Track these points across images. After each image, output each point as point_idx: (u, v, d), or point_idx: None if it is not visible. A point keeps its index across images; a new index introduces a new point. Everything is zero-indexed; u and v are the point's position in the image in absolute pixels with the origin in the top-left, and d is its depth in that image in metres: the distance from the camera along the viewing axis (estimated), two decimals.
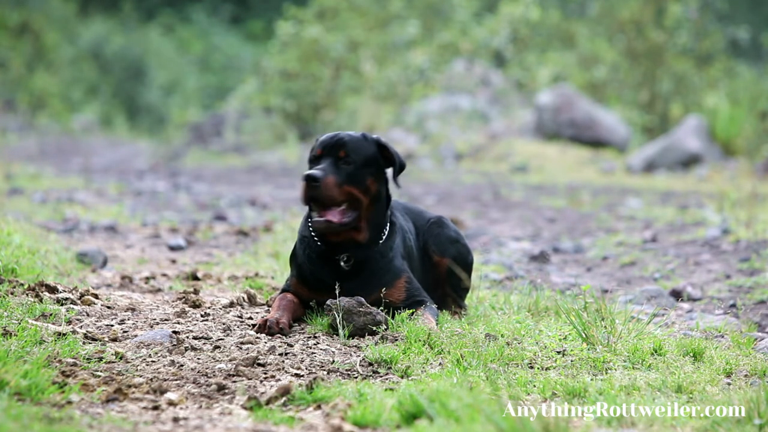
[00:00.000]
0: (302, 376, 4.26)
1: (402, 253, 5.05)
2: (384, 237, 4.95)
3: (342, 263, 4.92)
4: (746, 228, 8.73)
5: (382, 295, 4.94)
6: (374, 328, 4.78)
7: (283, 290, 5.10)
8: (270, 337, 4.76)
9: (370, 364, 4.42)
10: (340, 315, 4.79)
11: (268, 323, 4.82)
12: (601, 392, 4.07)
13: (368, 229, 4.91)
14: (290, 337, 4.79)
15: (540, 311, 5.55)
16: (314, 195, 4.78)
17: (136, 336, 4.70)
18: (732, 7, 24.23)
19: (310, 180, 4.77)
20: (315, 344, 4.67)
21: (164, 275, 6.56)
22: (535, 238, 9.39)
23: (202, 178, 15.21)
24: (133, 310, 5.25)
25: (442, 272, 5.36)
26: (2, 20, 27.84)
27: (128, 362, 4.33)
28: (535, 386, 4.18)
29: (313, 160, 4.90)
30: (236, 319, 5.13)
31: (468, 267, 5.44)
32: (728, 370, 4.57)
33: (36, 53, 27.91)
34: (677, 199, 12.19)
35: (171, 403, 3.89)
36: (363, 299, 4.84)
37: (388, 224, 4.99)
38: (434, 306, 5.07)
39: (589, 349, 4.71)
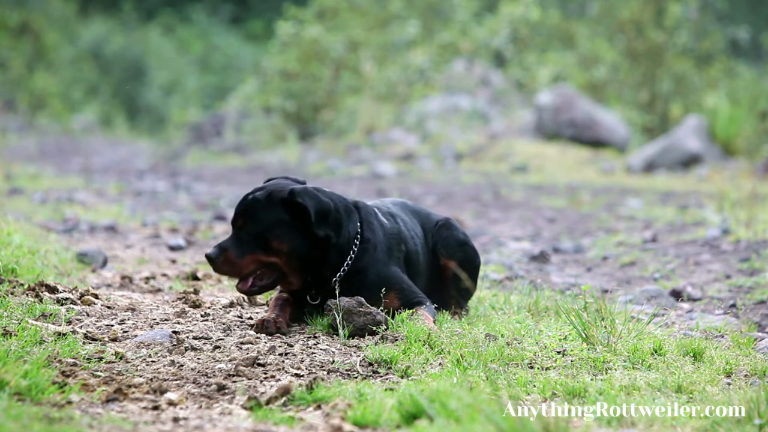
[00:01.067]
0: (302, 376, 4.26)
1: (390, 260, 5.06)
2: (349, 261, 4.94)
3: (309, 299, 4.98)
4: (746, 228, 8.72)
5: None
6: (374, 328, 4.78)
7: (281, 291, 5.12)
8: (270, 337, 4.76)
9: (370, 364, 4.43)
10: (340, 315, 4.79)
11: (265, 323, 4.83)
12: (601, 392, 4.07)
13: (304, 275, 4.90)
14: (290, 337, 4.79)
15: (540, 311, 5.55)
16: (218, 271, 4.88)
17: (136, 336, 4.70)
18: (732, 7, 24.23)
19: (208, 260, 4.86)
20: (315, 344, 4.67)
21: (164, 275, 6.56)
22: (535, 238, 9.39)
23: (202, 178, 15.21)
24: (133, 310, 5.25)
25: (448, 274, 5.37)
26: (2, 20, 27.83)
27: (128, 362, 4.33)
28: (535, 386, 4.18)
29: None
30: (236, 319, 5.13)
31: (475, 270, 5.46)
32: (728, 370, 4.57)
33: (36, 53, 27.90)
34: (677, 199, 12.18)
35: (171, 403, 3.89)
36: (363, 299, 4.85)
37: (355, 245, 4.96)
38: (433, 306, 5.07)
39: (589, 349, 4.71)
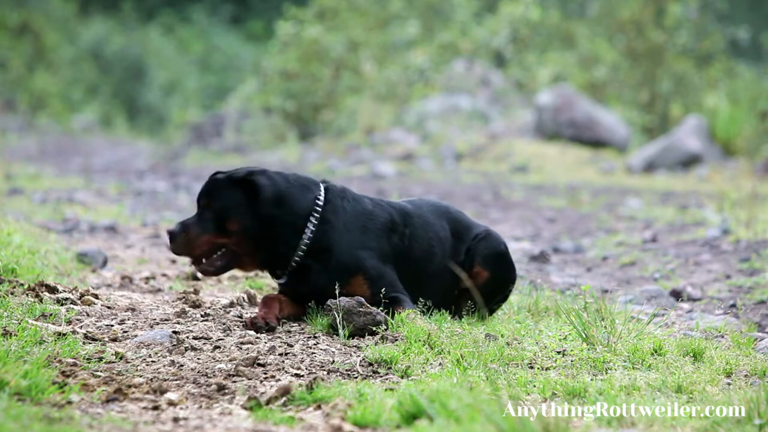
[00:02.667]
0: (302, 376, 4.26)
1: (365, 244, 5.02)
2: (307, 239, 4.95)
3: (274, 279, 5.05)
4: (746, 228, 8.72)
5: (343, 291, 4.94)
6: (374, 329, 4.78)
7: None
8: (270, 336, 4.77)
9: (370, 364, 4.43)
10: (340, 315, 4.79)
11: (254, 320, 4.89)
12: (601, 392, 4.07)
13: (258, 256, 4.95)
14: (290, 337, 4.79)
15: (540, 311, 5.55)
16: (174, 251, 4.96)
17: (136, 336, 4.70)
18: (732, 7, 24.23)
19: (169, 237, 4.93)
20: (315, 344, 4.68)
21: (164, 275, 6.56)
22: (535, 238, 9.39)
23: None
24: (133, 310, 5.25)
25: (478, 282, 5.33)
26: (2, 20, 27.84)
27: (128, 362, 4.33)
28: (535, 386, 4.18)
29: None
30: (236, 319, 5.13)
31: (507, 282, 5.41)
32: (728, 370, 4.57)
33: (36, 53, 27.90)
34: (677, 199, 12.18)
35: (171, 403, 3.89)
36: (363, 299, 4.85)
37: (312, 222, 4.96)
38: (413, 307, 5.04)
39: (589, 349, 4.71)
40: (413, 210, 5.25)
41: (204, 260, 4.94)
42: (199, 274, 5.27)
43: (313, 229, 4.97)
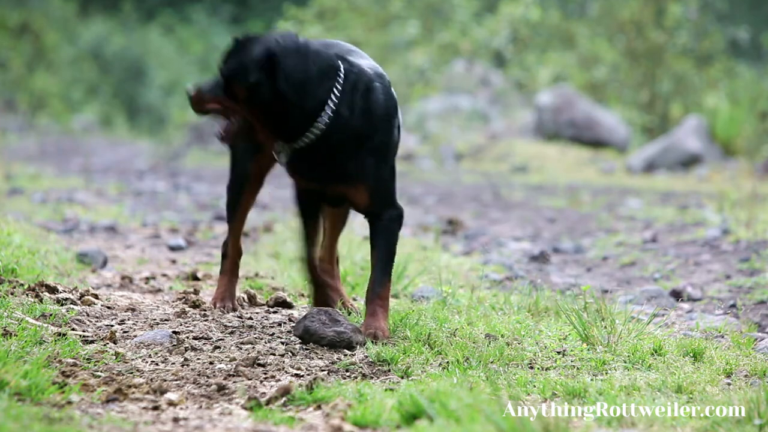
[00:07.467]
0: (302, 376, 4.26)
1: (371, 152, 4.82)
2: (317, 130, 4.71)
3: (275, 155, 4.86)
4: (746, 228, 8.72)
5: (343, 191, 4.79)
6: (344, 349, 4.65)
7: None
8: (270, 336, 4.77)
9: (370, 364, 4.43)
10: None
11: (217, 304, 5.05)
12: (601, 392, 4.07)
13: (269, 130, 4.75)
14: (290, 336, 4.79)
15: (540, 311, 5.55)
16: (192, 107, 4.82)
17: (136, 336, 4.70)
18: (732, 7, 24.23)
19: (188, 96, 4.81)
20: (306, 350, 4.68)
21: (164, 275, 6.56)
22: (535, 239, 9.38)
23: (202, 178, 15.20)
24: (133, 310, 5.25)
25: None
26: (2, 20, 27.82)
27: (128, 362, 4.33)
28: (535, 386, 4.18)
29: None
30: (236, 319, 5.13)
31: None
32: (728, 371, 4.57)
33: (36, 53, 27.89)
34: (677, 200, 12.18)
35: (171, 404, 3.89)
36: (335, 313, 4.74)
37: (327, 114, 4.71)
38: (396, 225, 4.87)
39: (589, 350, 4.71)
40: (389, 80, 5.04)
41: (224, 130, 4.80)
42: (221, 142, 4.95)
43: (327, 121, 4.71)
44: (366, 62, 4.95)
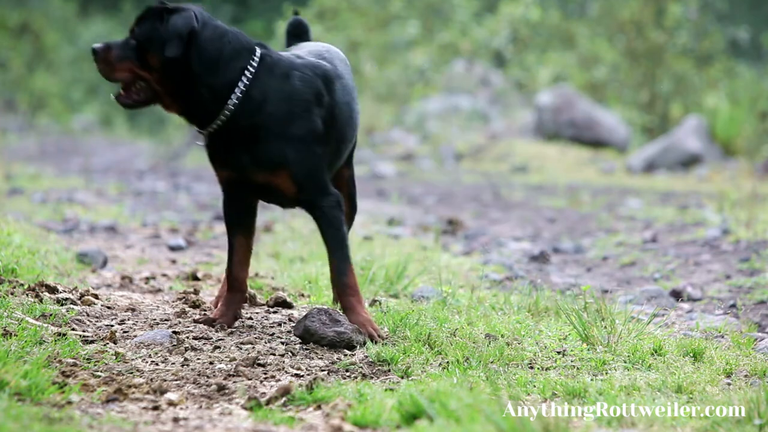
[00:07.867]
0: (302, 376, 4.26)
1: (294, 127, 4.65)
2: (227, 111, 4.60)
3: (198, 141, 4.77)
4: (746, 228, 8.72)
5: (268, 180, 4.67)
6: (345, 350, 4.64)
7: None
8: (270, 336, 4.77)
9: (370, 364, 4.43)
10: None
11: (207, 322, 4.92)
12: (601, 392, 4.07)
13: (179, 103, 4.64)
14: (290, 336, 4.79)
15: (540, 311, 5.55)
16: (98, 70, 4.65)
17: (136, 336, 4.70)
18: (732, 7, 24.22)
19: (92, 53, 4.64)
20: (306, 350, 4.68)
21: (164, 275, 6.56)
22: (535, 239, 9.38)
23: (202, 178, 15.19)
24: (133, 310, 5.25)
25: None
26: (2, 20, 27.83)
27: (128, 362, 4.33)
28: (535, 386, 4.18)
29: None
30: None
31: None
32: (728, 370, 4.57)
33: (36, 53, 27.89)
34: (677, 200, 12.18)
35: (171, 404, 3.89)
36: (334, 312, 4.72)
37: (236, 95, 4.59)
38: (340, 210, 4.74)
39: (589, 350, 4.71)
40: (332, 70, 4.87)
41: (124, 91, 4.64)
42: (122, 106, 4.74)
43: (236, 102, 4.60)
44: (321, 60, 4.85)
